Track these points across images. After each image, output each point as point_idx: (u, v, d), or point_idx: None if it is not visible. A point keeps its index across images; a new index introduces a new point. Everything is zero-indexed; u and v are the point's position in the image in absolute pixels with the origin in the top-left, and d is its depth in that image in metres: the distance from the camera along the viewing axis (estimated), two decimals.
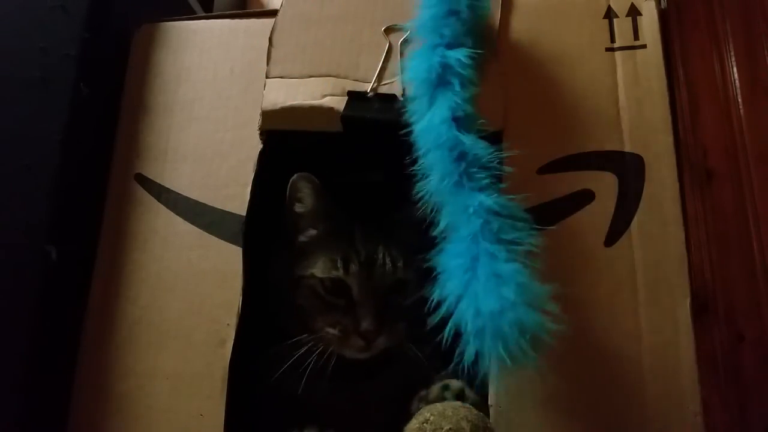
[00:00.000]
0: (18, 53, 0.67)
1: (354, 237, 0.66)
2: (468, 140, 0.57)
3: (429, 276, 0.63)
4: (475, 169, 0.56)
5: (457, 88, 0.59)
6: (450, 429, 0.51)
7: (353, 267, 0.64)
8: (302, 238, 0.69)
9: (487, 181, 0.56)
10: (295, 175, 0.67)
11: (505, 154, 0.59)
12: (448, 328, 0.52)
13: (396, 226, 0.67)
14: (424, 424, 0.52)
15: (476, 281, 0.52)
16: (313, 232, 0.69)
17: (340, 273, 0.64)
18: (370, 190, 0.77)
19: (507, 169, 0.58)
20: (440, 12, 0.62)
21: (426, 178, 0.58)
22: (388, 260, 0.65)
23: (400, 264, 0.65)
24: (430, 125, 0.58)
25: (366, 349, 0.63)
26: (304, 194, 0.68)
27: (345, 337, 0.63)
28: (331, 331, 0.64)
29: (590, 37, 0.67)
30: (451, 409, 0.54)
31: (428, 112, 0.59)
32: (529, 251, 0.53)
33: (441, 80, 0.59)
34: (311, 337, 0.64)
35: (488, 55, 0.64)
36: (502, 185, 0.57)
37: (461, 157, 0.56)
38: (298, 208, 0.69)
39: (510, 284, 0.51)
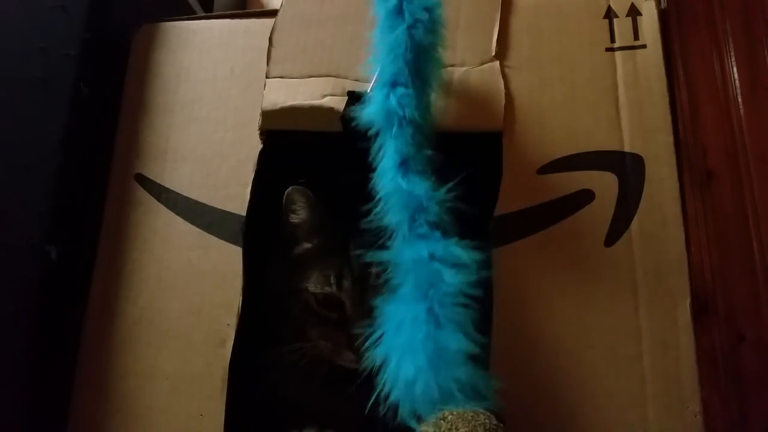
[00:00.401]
0: (18, 53, 0.67)
1: (348, 251, 0.66)
2: (413, 186, 0.54)
3: None
4: (421, 216, 0.54)
5: (403, 129, 0.56)
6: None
7: (346, 283, 0.64)
8: (298, 250, 0.69)
9: (431, 228, 0.54)
10: (290, 188, 0.67)
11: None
12: (375, 391, 0.51)
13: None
14: (441, 421, 0.52)
15: (403, 345, 0.51)
16: (307, 245, 0.69)
17: (333, 289, 0.64)
18: (370, 190, 0.77)
19: (461, 209, 0.55)
20: (384, 49, 0.59)
21: (384, 224, 0.56)
22: (382, 276, 0.63)
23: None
24: (381, 171, 0.57)
25: (358, 362, 0.63)
26: (298, 206, 0.68)
27: (337, 350, 0.63)
28: (323, 343, 0.64)
29: (590, 37, 0.67)
30: (471, 414, 0.53)
31: (379, 157, 0.57)
32: (468, 302, 0.52)
33: (387, 122, 0.57)
34: (305, 345, 0.64)
35: (435, 91, 0.61)
36: (451, 230, 0.54)
37: (407, 204, 0.54)
38: (294, 219, 0.69)
39: (430, 350, 0.49)
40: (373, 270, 0.64)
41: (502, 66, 0.66)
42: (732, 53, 0.58)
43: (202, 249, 0.66)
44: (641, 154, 0.63)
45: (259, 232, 0.68)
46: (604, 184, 0.62)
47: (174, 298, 0.65)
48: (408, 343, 0.50)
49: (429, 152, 0.57)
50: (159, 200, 0.69)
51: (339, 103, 0.66)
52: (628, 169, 0.62)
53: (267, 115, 0.68)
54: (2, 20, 0.67)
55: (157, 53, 0.74)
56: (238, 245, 0.65)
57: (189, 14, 0.84)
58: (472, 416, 0.51)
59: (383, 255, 0.55)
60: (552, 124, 0.64)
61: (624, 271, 0.60)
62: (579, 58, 0.66)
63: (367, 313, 0.62)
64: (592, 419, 0.56)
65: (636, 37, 0.66)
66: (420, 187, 0.54)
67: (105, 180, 0.71)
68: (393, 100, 0.56)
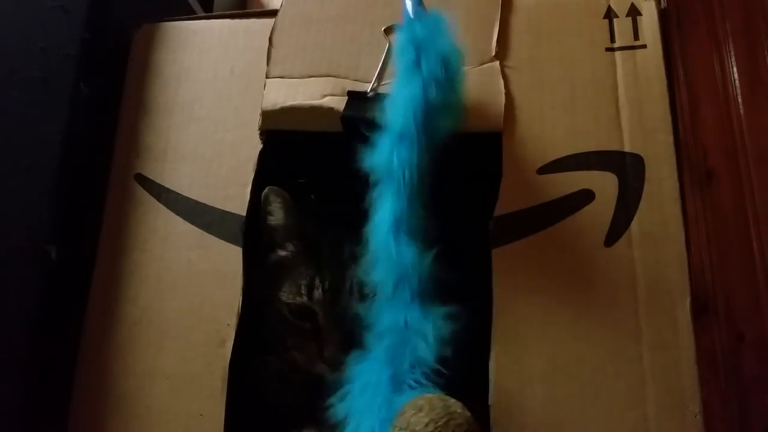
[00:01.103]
0: (18, 53, 0.67)
1: (322, 260, 0.65)
2: (402, 251, 0.55)
3: None
4: (405, 284, 0.54)
5: (402, 192, 0.55)
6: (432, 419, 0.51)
7: (317, 293, 0.63)
8: (273, 257, 0.68)
9: (413, 296, 0.54)
10: (267, 188, 0.66)
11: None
12: None
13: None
14: (406, 407, 0.53)
15: (363, 406, 0.52)
16: (282, 252, 0.68)
17: (305, 299, 0.64)
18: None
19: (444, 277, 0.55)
20: (399, 100, 0.57)
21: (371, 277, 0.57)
22: (355, 286, 0.63)
23: (368, 290, 0.62)
24: (375, 225, 0.56)
25: (332, 372, 0.62)
26: (274, 207, 0.67)
27: (310, 361, 0.63)
28: (297, 354, 0.64)
29: (590, 37, 0.67)
30: (442, 402, 0.53)
31: (376, 208, 0.57)
32: (433, 374, 0.53)
33: (389, 178, 0.56)
34: (284, 355, 0.65)
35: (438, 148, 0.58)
36: (431, 299, 0.55)
37: (394, 268, 0.55)
38: (270, 220, 0.68)
39: (383, 414, 0.51)
40: (347, 281, 0.63)
41: (502, 66, 0.66)
42: (732, 53, 0.58)
43: (202, 249, 0.66)
44: (641, 154, 0.63)
45: (260, 232, 0.68)
46: (604, 184, 0.62)
47: (174, 298, 0.65)
48: (367, 406, 0.52)
49: (422, 214, 0.56)
50: (159, 200, 0.68)
51: (339, 103, 0.66)
52: (628, 169, 0.62)
53: (267, 115, 0.68)
54: (2, 20, 0.67)
55: (157, 53, 0.74)
56: (238, 245, 0.65)
57: (189, 14, 0.84)
58: (443, 404, 0.52)
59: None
60: (552, 124, 0.64)
61: (624, 271, 0.60)
62: (579, 58, 0.66)
63: (340, 323, 0.62)
64: (592, 419, 0.56)
65: (636, 37, 0.66)
66: (408, 252, 0.55)
67: (105, 180, 0.70)
68: (396, 159, 0.56)
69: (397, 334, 0.54)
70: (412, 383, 0.52)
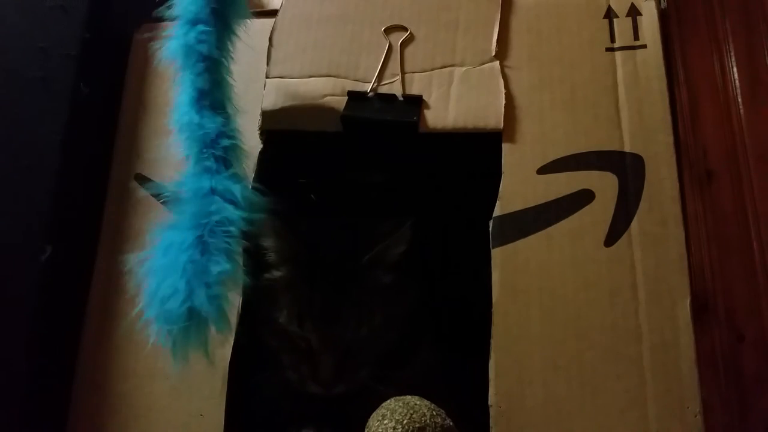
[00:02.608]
0: (18, 53, 0.67)
1: (314, 286, 0.63)
2: (206, 120, 0.57)
3: (396, 320, 0.64)
4: (209, 150, 0.56)
5: (200, 65, 0.58)
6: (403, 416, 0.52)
7: (308, 324, 0.63)
8: (268, 276, 0.67)
9: (217, 162, 0.56)
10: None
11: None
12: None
13: (364, 268, 0.64)
14: (382, 408, 0.54)
15: (166, 266, 0.52)
16: (277, 273, 0.66)
17: (296, 328, 0.63)
18: (370, 190, 0.77)
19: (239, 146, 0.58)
20: None
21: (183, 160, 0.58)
22: (347, 312, 0.63)
23: (363, 313, 0.63)
24: (177, 104, 0.59)
25: (325, 393, 0.62)
26: (265, 233, 0.65)
27: (303, 382, 0.63)
28: (291, 373, 0.64)
29: (590, 37, 0.67)
30: (415, 401, 0.54)
31: (178, 92, 0.59)
32: (238, 235, 0.54)
33: (186, 58, 0.59)
34: (279, 372, 0.65)
35: (236, 30, 0.62)
36: (234, 164, 0.57)
37: (198, 137, 0.56)
38: (263, 241, 0.66)
39: (189, 272, 0.51)
40: (341, 306, 0.63)
41: (502, 66, 0.66)
42: (732, 53, 0.58)
43: None
44: (641, 154, 0.63)
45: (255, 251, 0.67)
46: (604, 184, 0.62)
47: None
48: (171, 265, 0.52)
49: (228, 87, 0.59)
50: (159, 200, 0.68)
51: (339, 103, 0.66)
52: (628, 169, 0.62)
53: (267, 115, 0.68)
54: (2, 20, 0.67)
55: (157, 53, 0.74)
56: None
57: None
58: (402, 403, 0.53)
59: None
60: (552, 124, 0.64)
61: (624, 271, 0.60)
62: (579, 58, 0.66)
63: (333, 347, 0.62)
64: (592, 419, 0.56)
65: (636, 37, 0.66)
66: (212, 121, 0.57)
67: (105, 180, 0.70)
68: (192, 37, 0.58)
69: (203, 198, 0.54)
70: (219, 245, 0.53)
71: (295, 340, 0.64)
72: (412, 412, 0.52)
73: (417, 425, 0.51)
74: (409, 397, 0.54)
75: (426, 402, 0.54)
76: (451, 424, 0.54)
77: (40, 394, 0.63)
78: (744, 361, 0.53)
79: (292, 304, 0.64)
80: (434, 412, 0.53)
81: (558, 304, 0.59)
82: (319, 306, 0.63)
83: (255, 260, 0.66)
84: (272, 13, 0.72)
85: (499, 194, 0.62)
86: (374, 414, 0.54)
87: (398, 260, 0.65)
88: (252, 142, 0.68)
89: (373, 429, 0.52)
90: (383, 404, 0.54)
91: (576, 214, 0.61)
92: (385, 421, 0.52)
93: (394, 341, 0.66)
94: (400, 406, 0.53)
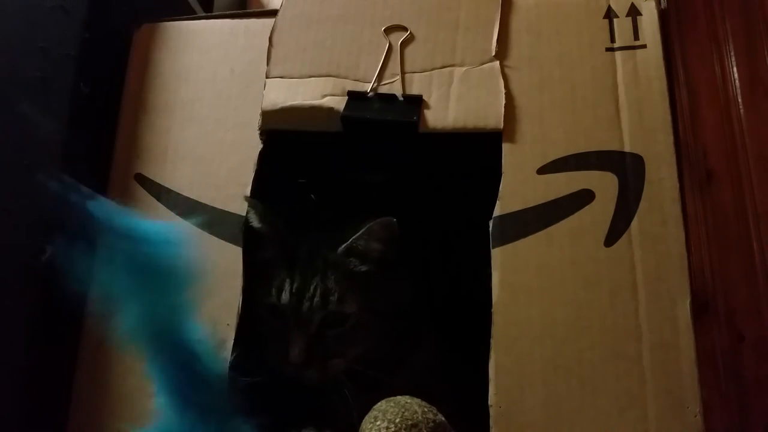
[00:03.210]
0: (18, 53, 0.67)
1: (295, 264, 0.65)
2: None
3: (376, 313, 0.64)
4: None
5: None
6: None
7: (284, 296, 0.63)
8: (258, 256, 0.67)
9: None
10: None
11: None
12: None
13: (344, 255, 0.65)
14: (373, 410, 0.54)
15: None
16: (264, 255, 0.67)
17: (274, 299, 0.64)
18: (370, 190, 0.77)
19: None
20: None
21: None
22: (318, 291, 0.63)
23: (334, 297, 0.63)
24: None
25: (296, 375, 0.63)
26: (251, 217, 0.66)
27: (278, 365, 0.63)
28: (270, 357, 0.64)
29: (590, 37, 0.67)
30: (406, 400, 0.55)
31: None
32: None
33: None
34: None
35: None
36: None
37: None
38: (252, 225, 0.67)
39: None
40: (312, 285, 0.63)
41: (502, 66, 0.66)
42: (732, 53, 0.58)
43: (202, 249, 0.66)
44: (641, 154, 0.63)
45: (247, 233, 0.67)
46: (604, 184, 0.62)
47: None
48: None
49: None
50: (159, 200, 0.68)
51: (339, 103, 0.66)
52: (628, 169, 0.62)
53: (267, 115, 0.68)
54: (2, 20, 0.67)
55: (157, 53, 0.74)
56: (238, 245, 0.65)
57: (189, 14, 0.84)
58: (393, 404, 0.53)
59: None
60: (552, 124, 0.64)
61: (624, 271, 0.60)
62: (579, 58, 0.66)
63: (304, 326, 0.63)
64: (592, 419, 0.56)
65: (636, 37, 0.66)
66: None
67: (105, 180, 0.70)
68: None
69: None
70: None
71: (274, 319, 0.64)
72: (403, 410, 0.52)
73: (410, 422, 0.51)
74: (400, 396, 0.54)
75: (417, 400, 0.54)
76: (443, 420, 0.54)
77: (40, 394, 0.63)
78: (744, 361, 0.53)
79: (273, 279, 0.64)
80: (425, 409, 0.53)
81: (558, 304, 0.59)
82: (297, 281, 0.63)
83: (246, 239, 0.67)
84: (272, 13, 0.72)
85: (499, 194, 0.62)
86: (366, 417, 0.54)
87: (380, 256, 0.65)
88: (252, 142, 0.68)
89: (367, 431, 0.52)
90: (374, 407, 0.55)
91: (576, 214, 0.61)
92: (378, 422, 0.52)
93: (374, 337, 0.66)
94: (391, 406, 0.53)
